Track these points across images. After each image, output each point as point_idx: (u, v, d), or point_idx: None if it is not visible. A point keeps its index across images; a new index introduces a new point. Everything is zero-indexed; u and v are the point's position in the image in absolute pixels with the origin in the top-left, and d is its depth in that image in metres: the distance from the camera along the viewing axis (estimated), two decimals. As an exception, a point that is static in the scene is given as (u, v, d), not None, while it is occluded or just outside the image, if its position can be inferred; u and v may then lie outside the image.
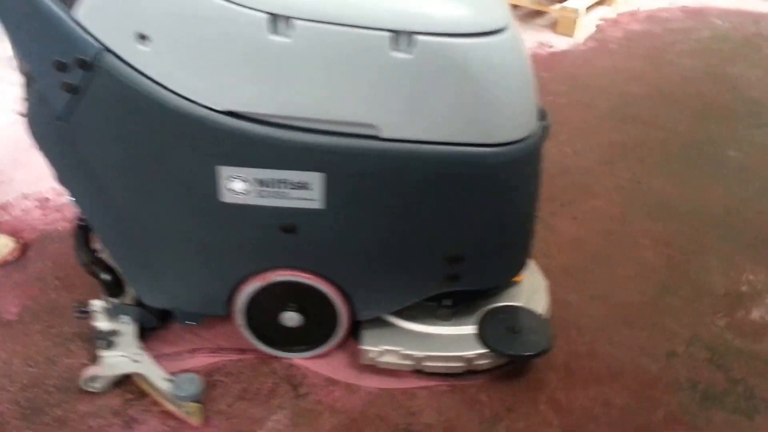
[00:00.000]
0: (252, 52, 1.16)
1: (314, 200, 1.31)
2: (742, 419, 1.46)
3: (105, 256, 1.73)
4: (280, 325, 1.54)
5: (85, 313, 1.55)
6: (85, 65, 1.17)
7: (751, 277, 1.90)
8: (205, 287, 1.49)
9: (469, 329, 1.56)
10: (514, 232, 1.46)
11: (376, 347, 1.53)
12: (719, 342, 1.66)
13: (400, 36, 1.13)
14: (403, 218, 1.35)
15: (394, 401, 1.54)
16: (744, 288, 1.86)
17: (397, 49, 1.14)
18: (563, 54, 3.29)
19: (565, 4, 3.57)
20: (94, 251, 1.68)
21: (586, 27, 3.58)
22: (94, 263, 1.60)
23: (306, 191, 1.30)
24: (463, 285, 1.48)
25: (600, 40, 3.47)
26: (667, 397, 1.51)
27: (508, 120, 1.26)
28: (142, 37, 1.15)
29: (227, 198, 1.32)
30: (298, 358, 1.62)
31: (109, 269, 1.59)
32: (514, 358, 1.54)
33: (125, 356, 1.49)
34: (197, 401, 1.44)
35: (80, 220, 1.63)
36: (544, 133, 1.36)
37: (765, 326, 1.72)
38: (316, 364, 1.62)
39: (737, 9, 4.03)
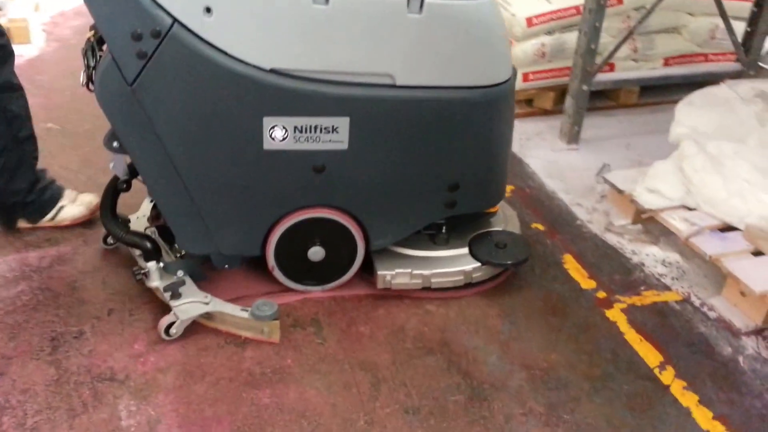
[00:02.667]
0: (296, 18, 1.47)
1: (341, 142, 1.62)
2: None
3: (135, 226, 1.96)
4: (306, 260, 1.81)
5: (144, 275, 1.75)
6: (158, 35, 1.43)
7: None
8: (246, 230, 1.75)
9: (463, 250, 1.90)
10: (499, 159, 1.83)
11: (391, 271, 1.83)
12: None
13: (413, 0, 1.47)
14: (413, 152, 1.68)
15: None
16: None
17: (411, 11, 1.48)
18: (40, 59, 3.49)
19: (8, 16, 3.65)
20: (125, 224, 1.91)
21: (36, 32, 3.74)
22: (133, 234, 1.80)
23: (335, 134, 1.60)
24: (459, 210, 1.81)
25: (58, 40, 3.75)
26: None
27: (496, 64, 1.63)
28: (208, 10, 1.43)
29: (269, 145, 1.60)
30: (318, 291, 1.90)
31: (146, 237, 1.79)
32: (506, 266, 1.89)
33: (195, 301, 1.71)
34: (276, 319, 1.70)
35: (104, 197, 1.83)
36: (514, 76, 1.74)
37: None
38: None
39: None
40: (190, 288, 1.75)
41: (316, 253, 1.80)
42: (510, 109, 1.76)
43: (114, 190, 1.85)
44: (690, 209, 2.10)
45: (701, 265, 2.03)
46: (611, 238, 2.20)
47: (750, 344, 1.78)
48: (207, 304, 1.72)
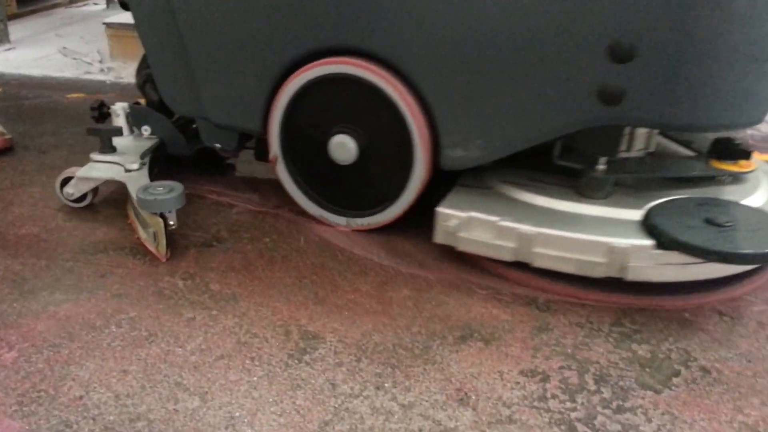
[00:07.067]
0: None
1: None
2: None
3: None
4: (329, 164, 1.06)
5: (103, 116, 1.28)
6: None
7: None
8: (240, 84, 1.09)
9: (629, 213, 0.94)
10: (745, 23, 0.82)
11: (461, 211, 0.93)
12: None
13: None
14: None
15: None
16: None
17: None
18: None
19: None
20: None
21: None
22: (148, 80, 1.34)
23: None
24: (630, 114, 0.86)
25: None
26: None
27: None
28: None
29: None
30: (345, 226, 1.08)
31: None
32: (712, 257, 0.86)
33: (117, 162, 1.16)
34: (162, 213, 1.00)
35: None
36: None
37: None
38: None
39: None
40: (134, 145, 1.21)
41: (342, 147, 1.00)
42: None
43: None
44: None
45: None
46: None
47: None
48: (127, 172, 1.13)
